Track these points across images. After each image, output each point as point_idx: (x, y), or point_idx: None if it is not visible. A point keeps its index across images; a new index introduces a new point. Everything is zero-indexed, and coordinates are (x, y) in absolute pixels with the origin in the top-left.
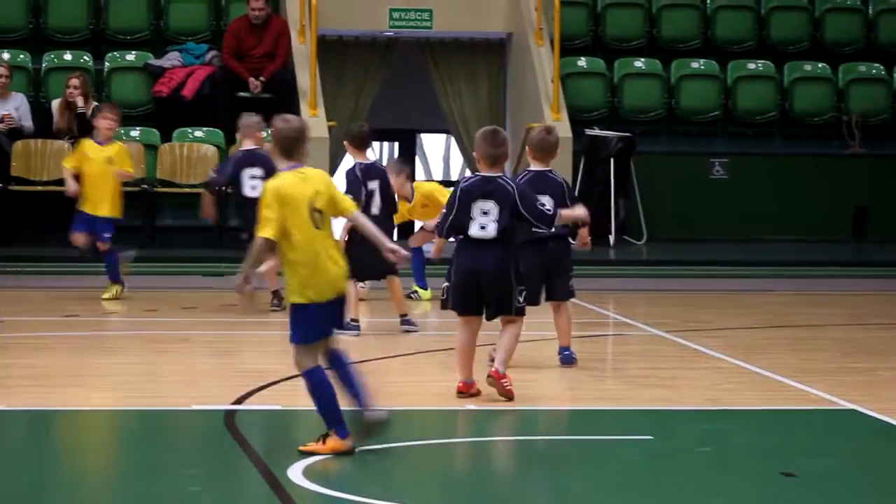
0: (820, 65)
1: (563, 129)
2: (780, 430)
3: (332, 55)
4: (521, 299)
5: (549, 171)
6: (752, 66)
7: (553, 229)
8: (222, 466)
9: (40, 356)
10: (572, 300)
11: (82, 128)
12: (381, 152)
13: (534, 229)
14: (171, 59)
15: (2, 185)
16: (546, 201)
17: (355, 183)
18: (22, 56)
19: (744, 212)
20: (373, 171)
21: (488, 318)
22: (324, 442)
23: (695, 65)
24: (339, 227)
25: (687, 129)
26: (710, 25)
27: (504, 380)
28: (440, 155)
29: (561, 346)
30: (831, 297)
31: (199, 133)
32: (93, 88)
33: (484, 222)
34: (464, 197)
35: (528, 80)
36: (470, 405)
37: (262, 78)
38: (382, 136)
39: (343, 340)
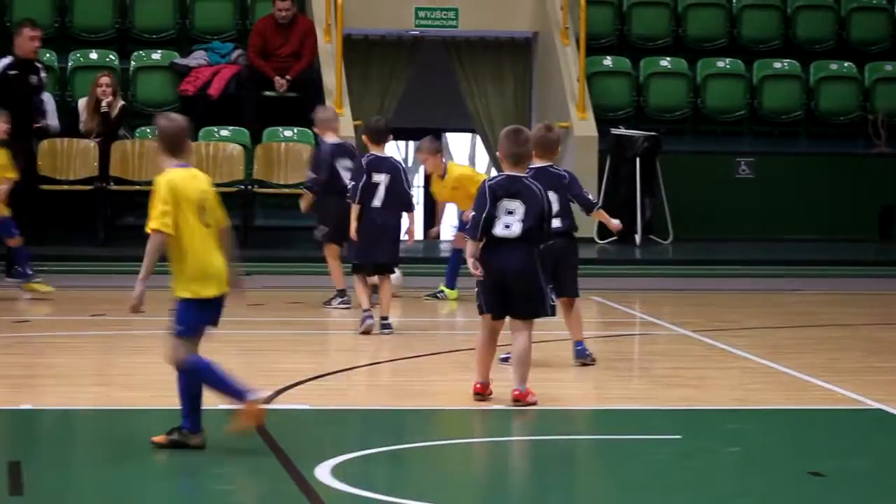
0: (846, 64)
1: (589, 129)
2: (807, 429)
3: (357, 54)
4: (554, 298)
5: (550, 165)
6: (777, 65)
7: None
8: (250, 466)
9: (67, 355)
10: (594, 299)
11: (106, 127)
12: (406, 151)
13: None
14: (197, 58)
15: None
16: (550, 197)
17: (358, 172)
18: (48, 55)
19: (769, 211)
20: (382, 164)
21: (521, 319)
22: (172, 434)
23: (720, 64)
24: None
25: (713, 128)
26: (735, 24)
27: (529, 396)
28: (466, 154)
29: (575, 340)
30: (857, 297)
31: (224, 132)
32: (119, 87)
33: (509, 221)
34: (491, 194)
35: (554, 80)
36: (497, 406)
37: (287, 77)
38: (408, 135)
39: (381, 339)
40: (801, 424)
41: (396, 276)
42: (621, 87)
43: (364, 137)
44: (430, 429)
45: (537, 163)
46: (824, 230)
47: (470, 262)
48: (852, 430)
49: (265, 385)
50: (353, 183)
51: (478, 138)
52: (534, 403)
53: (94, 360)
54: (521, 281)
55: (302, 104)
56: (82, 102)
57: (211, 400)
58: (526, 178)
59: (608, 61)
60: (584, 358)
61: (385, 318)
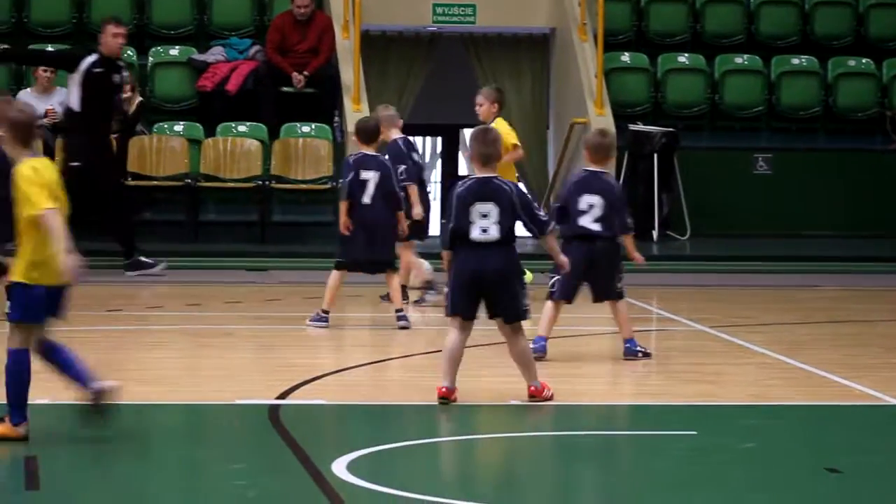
0: (864, 60)
1: (607, 125)
2: (824, 425)
3: (375, 50)
4: (527, 302)
5: (603, 172)
6: (795, 61)
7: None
8: (266, 461)
9: (83, 350)
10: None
11: (124, 122)
12: (423, 147)
13: (581, 225)
14: (215, 53)
15: None
16: (595, 201)
17: (345, 169)
18: None
19: (787, 207)
20: (370, 162)
21: (509, 323)
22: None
23: (738, 60)
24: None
25: (730, 124)
26: (753, 20)
27: (545, 391)
28: None
29: (623, 338)
30: (875, 293)
31: (242, 128)
32: (137, 83)
33: (485, 225)
34: (460, 203)
35: (572, 76)
36: (514, 401)
37: (305, 73)
38: (426, 131)
39: (397, 333)
40: (817, 420)
41: (427, 267)
42: (639, 83)
43: (354, 136)
44: (447, 424)
45: (591, 167)
46: (842, 226)
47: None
48: (869, 427)
49: (282, 381)
50: (340, 180)
51: None
52: (550, 398)
53: (109, 355)
54: (500, 282)
55: (320, 100)
56: None
57: (225, 395)
58: (496, 179)
59: (626, 57)
60: (631, 356)
61: (399, 311)
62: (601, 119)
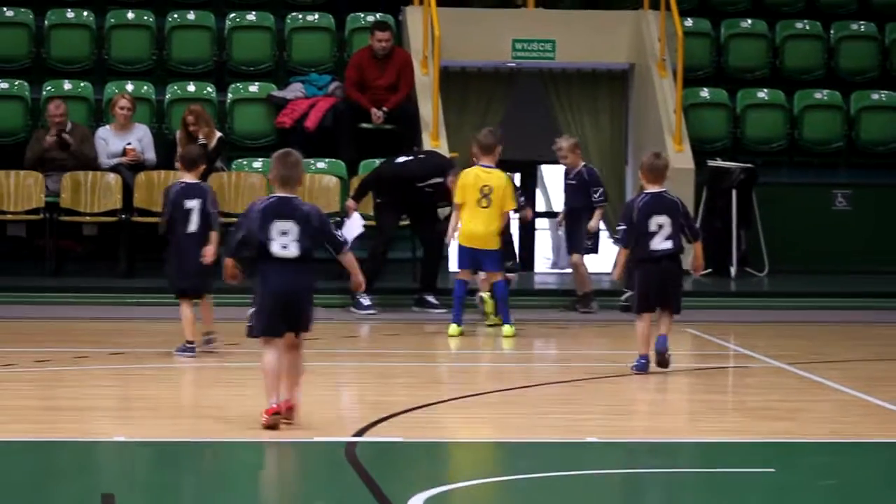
0: None
1: (686, 160)
2: None
3: (454, 86)
4: (313, 315)
5: (664, 191)
6: (875, 96)
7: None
8: (343, 499)
9: (160, 387)
10: (688, 331)
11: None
12: None
13: (653, 248)
14: (294, 90)
15: (124, 217)
16: (663, 221)
17: (168, 198)
18: (145, 87)
19: (866, 244)
20: (192, 190)
21: (302, 332)
22: None
23: (818, 95)
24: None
25: (809, 159)
26: (832, 56)
27: (277, 412)
28: (561, 186)
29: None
30: None
31: (321, 164)
32: (216, 119)
33: (284, 242)
34: (262, 216)
35: (651, 111)
36: (590, 437)
37: (384, 108)
38: (503, 167)
39: (475, 370)
40: None
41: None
42: (718, 119)
43: (178, 165)
44: (524, 461)
45: (650, 188)
46: None
47: (227, 273)
48: None
49: (359, 418)
50: (162, 212)
51: None
52: (267, 422)
53: (187, 392)
54: (302, 300)
55: (399, 136)
56: (179, 134)
57: (301, 433)
58: (295, 200)
59: (705, 93)
60: (638, 370)
61: (208, 333)
62: (680, 155)
